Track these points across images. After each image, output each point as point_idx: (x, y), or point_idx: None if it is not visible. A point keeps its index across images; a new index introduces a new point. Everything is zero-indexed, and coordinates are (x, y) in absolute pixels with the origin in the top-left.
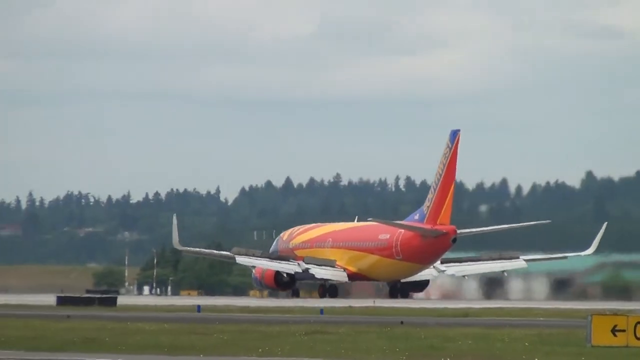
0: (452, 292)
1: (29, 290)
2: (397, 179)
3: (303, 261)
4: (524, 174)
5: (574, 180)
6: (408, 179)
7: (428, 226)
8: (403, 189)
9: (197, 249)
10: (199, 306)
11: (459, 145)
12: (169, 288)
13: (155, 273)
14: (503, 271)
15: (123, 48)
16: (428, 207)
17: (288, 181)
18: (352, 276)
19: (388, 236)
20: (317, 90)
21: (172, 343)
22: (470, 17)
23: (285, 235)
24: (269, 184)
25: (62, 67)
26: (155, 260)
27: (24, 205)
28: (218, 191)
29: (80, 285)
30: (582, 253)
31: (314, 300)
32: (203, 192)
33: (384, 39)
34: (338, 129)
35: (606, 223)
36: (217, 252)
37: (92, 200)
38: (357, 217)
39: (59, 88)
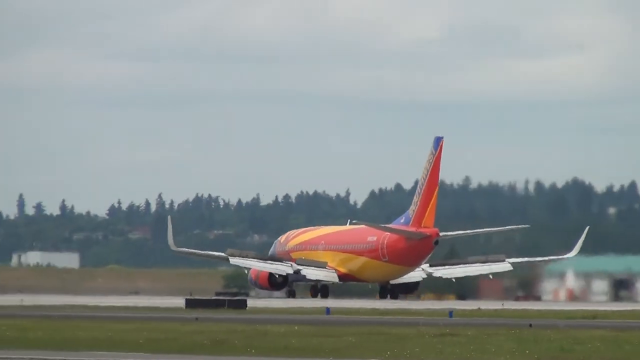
0: (580, 293)
1: (158, 293)
2: (527, 182)
3: (295, 263)
4: None
5: None
6: (537, 182)
7: (412, 229)
8: (532, 193)
9: (191, 250)
10: (328, 308)
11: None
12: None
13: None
14: (489, 274)
15: (253, 50)
16: (413, 210)
17: (417, 184)
18: (343, 277)
19: (375, 239)
20: (445, 93)
21: (301, 345)
22: (602, 19)
23: (282, 238)
24: (398, 186)
25: (192, 70)
26: None
27: (153, 208)
28: (347, 193)
29: (209, 287)
30: (565, 256)
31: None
32: (332, 194)
33: (510, 41)
34: (467, 132)
35: (588, 227)
36: (212, 253)
37: (221, 202)
38: (349, 220)
39: (188, 90)
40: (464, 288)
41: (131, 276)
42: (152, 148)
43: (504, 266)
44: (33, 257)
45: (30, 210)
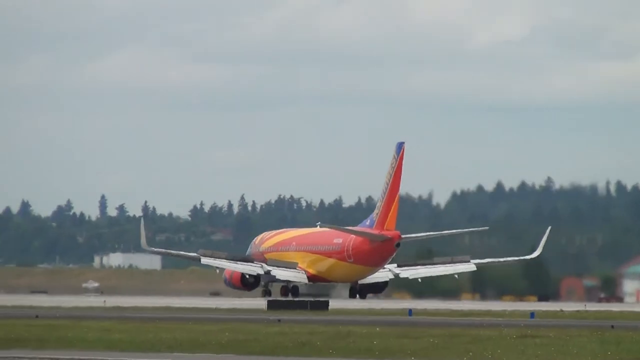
0: None
1: (239, 295)
2: (608, 183)
3: (266, 263)
4: None
5: None
6: (619, 183)
7: (375, 231)
8: (614, 194)
9: (164, 250)
10: (410, 310)
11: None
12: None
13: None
14: (455, 274)
15: (337, 52)
16: (377, 214)
17: (499, 185)
18: (312, 278)
19: (341, 240)
20: (530, 94)
21: (383, 347)
22: None
23: (257, 239)
24: (480, 188)
25: (275, 71)
26: None
27: (235, 209)
28: (430, 195)
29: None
30: (527, 256)
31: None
32: (415, 195)
33: (595, 43)
34: (550, 133)
35: (550, 227)
36: (183, 253)
37: (304, 204)
38: (319, 223)
39: (271, 92)
40: (546, 289)
41: (213, 278)
42: (234, 149)
43: (469, 267)
44: (115, 259)
45: (112, 212)
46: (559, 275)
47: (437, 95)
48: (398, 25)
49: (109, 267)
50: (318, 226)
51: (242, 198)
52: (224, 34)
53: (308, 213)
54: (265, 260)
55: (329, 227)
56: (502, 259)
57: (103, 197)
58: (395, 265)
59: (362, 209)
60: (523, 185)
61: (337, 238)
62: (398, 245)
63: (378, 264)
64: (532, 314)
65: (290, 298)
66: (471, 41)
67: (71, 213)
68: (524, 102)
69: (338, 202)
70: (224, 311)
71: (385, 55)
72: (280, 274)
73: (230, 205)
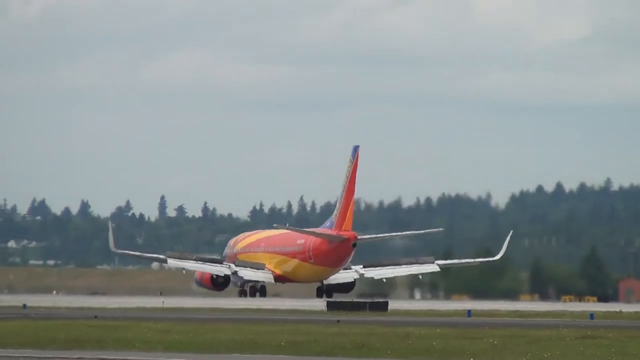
0: None
1: (299, 296)
2: None
3: (234, 264)
4: None
5: None
6: None
7: (333, 232)
8: None
9: (130, 252)
10: (469, 311)
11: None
12: (441, 293)
13: (426, 278)
14: (419, 274)
15: (396, 52)
16: (336, 215)
17: (559, 186)
18: (278, 278)
19: (303, 242)
20: (589, 95)
21: (443, 348)
22: None
23: (232, 241)
24: (539, 189)
25: (335, 72)
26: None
27: (295, 210)
28: (489, 196)
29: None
30: (491, 258)
31: (581, 304)
32: (474, 197)
33: None
34: (609, 133)
35: (512, 231)
36: (150, 255)
37: (363, 204)
38: (287, 224)
39: (331, 93)
40: (605, 290)
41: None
42: (294, 150)
43: (432, 267)
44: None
45: (172, 213)
46: (618, 276)
47: (498, 95)
48: (457, 24)
49: (168, 268)
50: (274, 227)
51: (301, 199)
52: (282, 34)
53: (367, 214)
54: (237, 261)
55: (290, 229)
56: (464, 260)
57: (162, 197)
58: (361, 266)
59: (422, 210)
60: (582, 186)
61: (300, 239)
62: (354, 245)
63: (337, 265)
64: (592, 315)
65: (258, 297)
66: (531, 42)
67: (130, 214)
68: (584, 103)
69: (397, 203)
70: (283, 312)
71: (445, 55)
72: (247, 274)
73: (289, 205)
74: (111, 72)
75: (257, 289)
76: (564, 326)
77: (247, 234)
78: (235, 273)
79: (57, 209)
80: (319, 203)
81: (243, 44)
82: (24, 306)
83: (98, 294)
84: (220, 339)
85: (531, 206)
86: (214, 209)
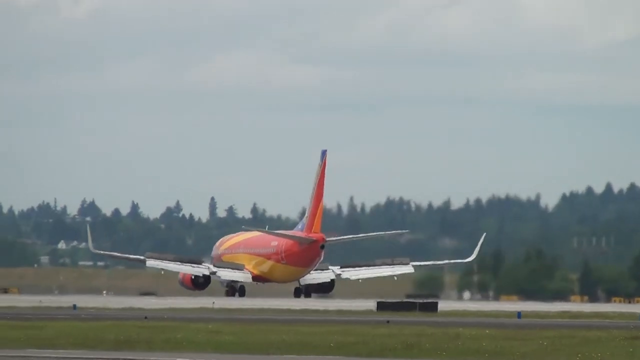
0: None
1: (348, 296)
2: None
3: (213, 265)
4: None
5: None
6: None
7: (303, 235)
8: None
9: (109, 253)
10: (519, 312)
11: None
12: (490, 293)
13: (475, 278)
14: (394, 275)
15: (443, 53)
16: (307, 217)
17: (608, 187)
18: (255, 278)
19: (277, 243)
20: (636, 95)
21: (493, 348)
22: None
23: (218, 242)
24: (589, 190)
25: (381, 73)
26: (475, 266)
27: (345, 211)
28: (538, 197)
29: (400, 290)
30: (464, 260)
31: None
32: (523, 198)
33: None
34: None
35: (485, 233)
36: (129, 256)
37: (413, 206)
38: (267, 226)
39: (378, 93)
40: None
41: None
42: (344, 151)
43: (408, 269)
44: None
45: (222, 214)
46: None
47: (548, 96)
48: (505, 26)
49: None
50: (266, 228)
51: (351, 200)
52: (329, 35)
53: (417, 215)
54: (222, 262)
55: (263, 232)
56: (438, 262)
57: (212, 198)
58: (339, 266)
59: (471, 211)
60: (632, 186)
61: (274, 242)
62: (322, 247)
63: (308, 265)
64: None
65: (237, 297)
66: (579, 42)
67: (180, 215)
68: (634, 103)
69: (447, 204)
70: (333, 313)
71: (491, 56)
72: (225, 274)
73: (339, 207)
74: (160, 73)
75: (236, 289)
76: (614, 327)
77: (231, 235)
78: (213, 273)
79: (107, 209)
80: (369, 204)
81: (290, 45)
82: (74, 307)
83: (148, 295)
84: (270, 339)
85: (581, 207)
86: (264, 210)
